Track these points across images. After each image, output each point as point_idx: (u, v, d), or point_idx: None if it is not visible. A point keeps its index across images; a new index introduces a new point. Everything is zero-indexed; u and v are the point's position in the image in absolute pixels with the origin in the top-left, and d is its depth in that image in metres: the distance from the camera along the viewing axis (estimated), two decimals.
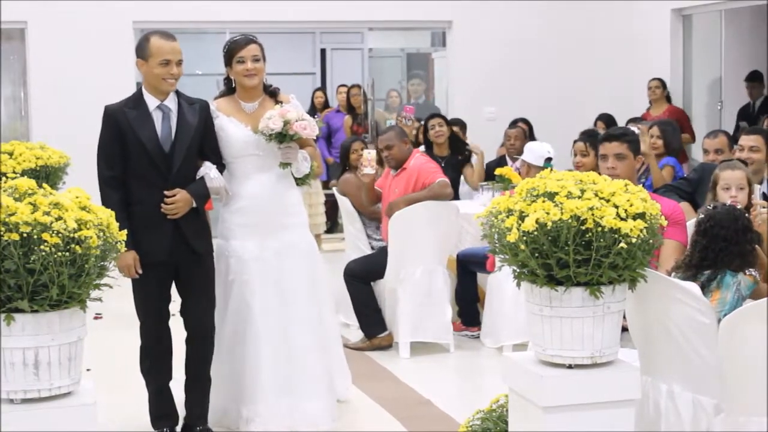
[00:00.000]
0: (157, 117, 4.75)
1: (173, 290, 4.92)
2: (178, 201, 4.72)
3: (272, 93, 5.15)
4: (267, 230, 5.06)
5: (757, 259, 4.16)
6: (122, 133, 4.70)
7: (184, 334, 4.91)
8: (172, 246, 4.74)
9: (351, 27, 13.38)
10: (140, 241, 4.66)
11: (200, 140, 4.86)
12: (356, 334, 7.05)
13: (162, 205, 4.71)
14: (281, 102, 5.08)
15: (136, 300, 4.85)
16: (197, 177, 4.86)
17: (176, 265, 4.81)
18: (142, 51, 4.75)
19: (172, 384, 4.98)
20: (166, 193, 4.71)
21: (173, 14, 10.95)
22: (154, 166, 4.71)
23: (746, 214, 4.28)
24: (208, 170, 4.88)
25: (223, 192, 4.97)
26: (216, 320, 4.98)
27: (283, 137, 4.91)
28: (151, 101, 4.76)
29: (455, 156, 8.74)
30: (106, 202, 4.61)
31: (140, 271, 4.67)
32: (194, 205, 4.79)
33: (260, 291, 5.02)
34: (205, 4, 11.12)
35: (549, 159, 7.19)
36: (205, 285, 4.89)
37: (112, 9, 10.90)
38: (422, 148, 8.75)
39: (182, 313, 4.92)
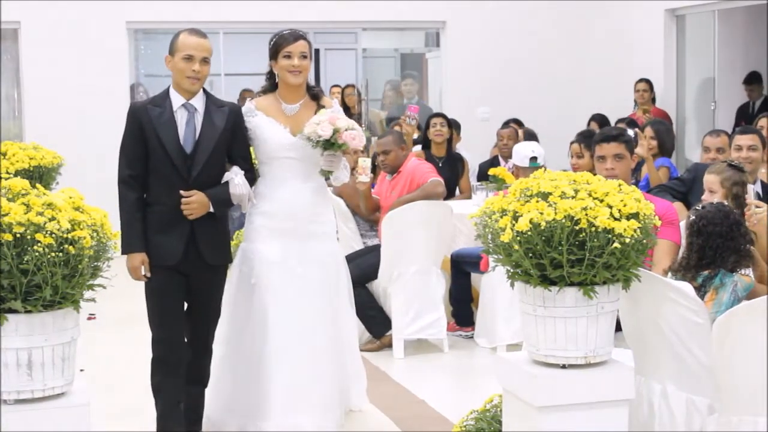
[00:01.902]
0: (181, 116, 4.55)
1: None
2: (193, 202, 4.52)
3: (315, 96, 4.97)
4: (293, 236, 4.87)
5: (751, 258, 4.17)
6: (143, 131, 4.52)
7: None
8: (183, 252, 4.54)
9: (345, 27, 13.38)
10: (154, 242, 4.52)
11: (227, 144, 4.64)
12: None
13: (181, 205, 4.53)
14: (323, 106, 4.92)
15: (148, 306, 4.62)
16: (223, 181, 4.65)
17: (187, 273, 4.61)
18: (170, 46, 4.58)
19: None
20: (182, 192, 4.52)
21: (167, 15, 10.91)
22: (174, 167, 4.52)
23: (736, 211, 4.29)
24: (233, 175, 4.66)
25: (245, 200, 4.75)
26: (237, 326, 4.89)
27: (330, 145, 4.71)
28: (177, 99, 4.56)
29: (452, 159, 8.73)
30: (122, 202, 4.52)
31: (148, 275, 4.52)
32: (211, 209, 4.57)
33: (281, 299, 4.83)
34: (199, 4, 11.10)
35: (534, 158, 7.18)
36: (210, 297, 4.72)
37: (105, 9, 10.87)
38: (418, 147, 8.76)
39: (186, 317, 4.76)
